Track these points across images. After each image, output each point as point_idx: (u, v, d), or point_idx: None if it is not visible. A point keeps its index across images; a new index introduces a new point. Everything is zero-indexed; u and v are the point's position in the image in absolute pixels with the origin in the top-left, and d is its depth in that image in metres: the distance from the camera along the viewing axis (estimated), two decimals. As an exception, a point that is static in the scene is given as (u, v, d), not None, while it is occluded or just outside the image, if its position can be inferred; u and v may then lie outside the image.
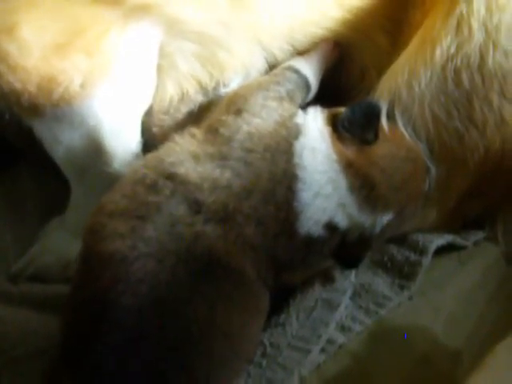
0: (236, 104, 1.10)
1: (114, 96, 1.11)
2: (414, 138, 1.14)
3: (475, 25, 1.08)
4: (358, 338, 1.13)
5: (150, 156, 1.07)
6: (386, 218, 1.10)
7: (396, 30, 1.18)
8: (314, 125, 1.10)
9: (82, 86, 1.07)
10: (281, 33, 1.17)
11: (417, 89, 1.11)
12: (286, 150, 1.06)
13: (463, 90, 1.10)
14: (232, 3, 1.11)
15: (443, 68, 1.10)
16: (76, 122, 1.09)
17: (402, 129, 1.14)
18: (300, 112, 1.12)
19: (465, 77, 1.10)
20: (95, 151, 1.12)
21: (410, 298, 1.16)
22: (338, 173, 1.07)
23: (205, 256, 1.00)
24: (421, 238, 1.19)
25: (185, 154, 1.05)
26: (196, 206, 1.02)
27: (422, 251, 1.18)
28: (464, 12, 1.08)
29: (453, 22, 1.09)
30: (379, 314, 1.14)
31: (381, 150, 1.11)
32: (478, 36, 1.08)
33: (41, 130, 1.11)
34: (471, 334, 1.13)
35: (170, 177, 1.03)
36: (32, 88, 1.05)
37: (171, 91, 1.18)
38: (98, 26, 1.05)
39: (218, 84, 1.19)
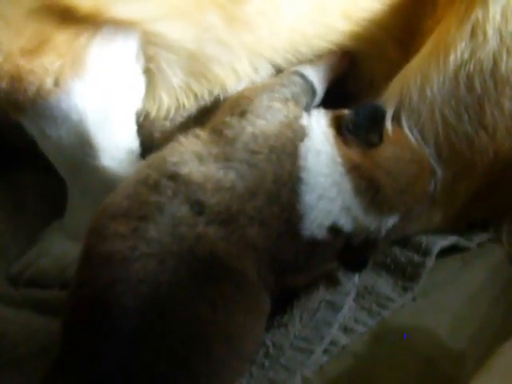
0: (240, 105, 1.10)
1: (94, 92, 1.10)
2: (420, 141, 1.14)
3: (490, 31, 1.09)
4: (361, 339, 1.12)
5: (154, 156, 1.07)
6: (391, 220, 1.10)
7: (406, 39, 1.18)
8: (318, 127, 1.10)
9: (56, 83, 1.07)
10: (284, 47, 1.17)
11: (429, 93, 1.11)
12: (291, 152, 1.06)
13: (475, 94, 1.11)
14: (228, 22, 1.11)
15: (456, 73, 1.10)
16: (59, 118, 1.09)
17: (408, 132, 1.14)
18: (304, 114, 1.12)
19: (477, 82, 1.10)
20: (82, 146, 1.12)
21: (414, 300, 1.16)
22: (343, 175, 1.07)
23: (207, 257, 1.00)
24: (424, 239, 1.18)
25: (188, 154, 1.05)
26: (198, 207, 1.01)
27: (425, 252, 1.17)
28: (480, 18, 1.09)
29: (468, 27, 1.09)
30: (382, 315, 1.14)
31: (385, 152, 1.11)
32: (492, 42, 1.09)
33: (29, 126, 1.11)
34: (475, 335, 1.12)
35: (173, 177, 1.03)
36: (4, 86, 1.05)
37: (167, 102, 1.18)
38: (68, 32, 1.06)
39: (217, 94, 1.20)
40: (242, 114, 1.09)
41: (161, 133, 1.20)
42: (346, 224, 1.07)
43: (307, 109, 1.15)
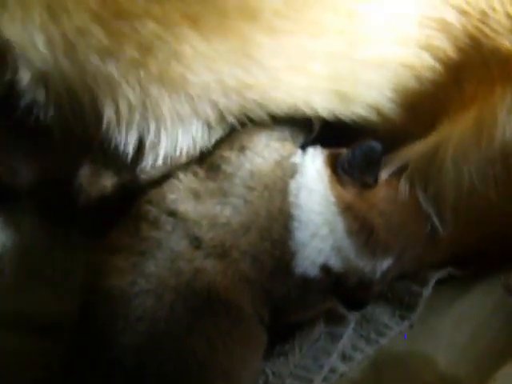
0: (240, 140, 1.13)
1: None
2: (421, 194, 1.15)
3: None
4: (359, 367, 1.15)
5: (154, 192, 1.10)
6: (386, 263, 1.10)
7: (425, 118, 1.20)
8: (312, 165, 1.11)
9: None
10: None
11: (463, 166, 1.13)
12: (281, 189, 1.08)
13: (509, 171, 1.13)
14: None
15: (498, 153, 1.12)
16: None
17: (405, 184, 1.15)
18: (299, 152, 1.14)
19: None
20: None
21: (411, 327, 1.18)
22: (336, 215, 1.08)
23: (204, 292, 1.02)
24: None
25: (186, 191, 1.08)
26: (196, 242, 1.05)
27: (422, 282, 1.20)
28: None
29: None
30: (380, 342, 1.16)
31: (379, 193, 1.11)
32: None
33: None
34: (473, 361, 1.14)
35: (172, 213, 1.06)
36: None
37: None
38: None
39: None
40: (241, 149, 1.11)
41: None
42: (336, 264, 1.07)
43: (304, 145, 1.16)
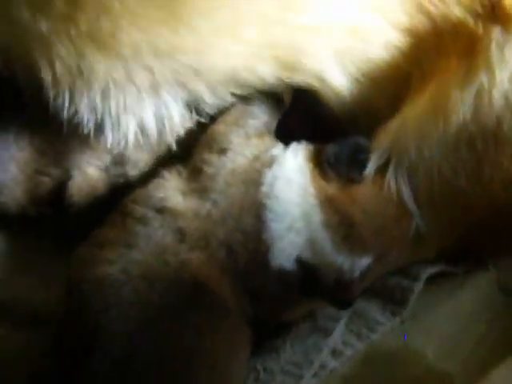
0: (218, 142, 1.13)
1: None
2: (407, 193, 1.14)
3: (496, 95, 1.09)
4: (350, 363, 1.15)
5: (139, 191, 1.12)
6: (364, 261, 1.09)
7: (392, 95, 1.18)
8: (293, 158, 1.11)
9: None
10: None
11: (426, 152, 1.11)
12: (255, 180, 1.09)
13: (475, 153, 1.12)
14: None
15: (458, 134, 1.11)
16: None
17: (392, 181, 1.14)
18: (278, 144, 1.14)
19: (479, 143, 1.11)
20: None
21: (402, 323, 1.18)
22: (314, 207, 1.07)
23: (191, 282, 1.04)
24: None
25: (173, 190, 1.10)
26: (180, 236, 1.06)
27: (413, 278, 1.19)
28: (485, 83, 1.09)
29: (471, 91, 1.10)
30: (371, 338, 1.16)
31: (364, 190, 1.10)
32: (497, 105, 1.10)
33: None
34: (463, 357, 1.14)
35: (161, 210, 1.08)
36: None
37: None
38: None
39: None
40: (222, 151, 1.12)
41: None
42: (310, 257, 1.07)
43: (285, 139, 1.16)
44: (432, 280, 1.21)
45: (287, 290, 1.08)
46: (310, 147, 1.14)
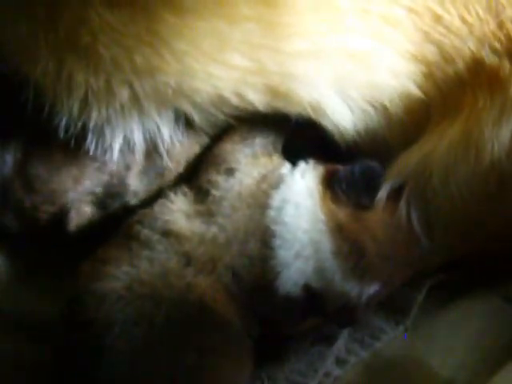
0: (226, 162, 1.12)
1: None
2: (417, 218, 1.13)
3: None
4: (354, 371, 1.17)
5: (144, 212, 1.12)
6: (373, 288, 1.09)
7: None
8: (302, 180, 1.10)
9: None
10: None
11: (452, 185, 1.11)
12: (262, 203, 1.07)
13: (503, 188, 1.11)
14: None
15: (489, 170, 1.10)
16: None
17: (403, 208, 1.13)
18: (286, 164, 1.13)
19: (509, 179, 1.10)
20: None
21: (406, 331, 1.20)
22: (323, 234, 1.05)
23: (196, 304, 1.04)
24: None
25: (179, 213, 1.09)
26: (186, 260, 1.07)
27: (416, 287, 1.21)
28: None
29: (507, 128, 1.09)
30: (374, 346, 1.18)
31: (375, 216, 1.09)
32: None
33: None
34: (465, 364, 1.15)
35: (165, 233, 1.08)
36: None
37: None
38: None
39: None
40: (229, 172, 1.11)
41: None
42: (318, 285, 1.06)
43: (294, 158, 1.15)
44: (434, 289, 1.22)
45: (292, 313, 1.08)
46: (320, 168, 1.12)
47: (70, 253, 1.16)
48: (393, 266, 1.10)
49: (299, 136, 1.16)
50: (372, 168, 1.10)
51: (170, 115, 1.10)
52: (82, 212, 1.16)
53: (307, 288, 1.06)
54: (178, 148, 1.15)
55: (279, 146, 1.15)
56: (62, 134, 1.09)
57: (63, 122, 1.08)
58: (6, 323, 1.19)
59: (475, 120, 1.10)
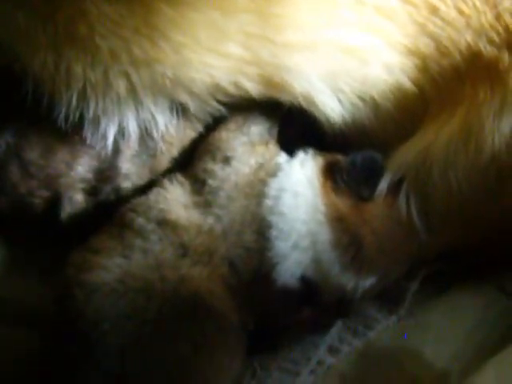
0: (222, 150, 1.11)
1: None
2: (416, 210, 1.13)
3: None
4: (347, 359, 1.16)
5: (139, 201, 1.10)
6: (369, 281, 1.08)
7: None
8: (301, 170, 1.09)
9: None
10: None
11: (452, 177, 1.11)
12: (259, 192, 1.06)
13: (501, 180, 1.11)
14: None
15: (488, 162, 1.10)
16: None
17: (403, 200, 1.13)
18: (282, 153, 1.11)
19: (507, 171, 1.10)
20: None
21: (399, 321, 1.19)
22: (322, 225, 1.05)
23: (191, 297, 1.03)
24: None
25: (175, 201, 1.08)
26: (182, 250, 1.05)
27: (410, 277, 1.20)
28: None
29: (508, 121, 1.08)
30: (367, 335, 1.18)
31: (375, 209, 1.08)
32: None
33: None
34: (459, 354, 1.15)
35: (161, 223, 1.06)
36: None
37: None
38: None
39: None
40: (226, 160, 1.09)
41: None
42: (315, 276, 1.05)
43: (291, 147, 1.13)
44: (428, 278, 1.22)
45: (288, 304, 1.07)
46: (319, 159, 1.11)
47: (63, 240, 1.15)
48: (390, 260, 1.09)
49: (288, 123, 1.15)
50: (374, 158, 1.09)
51: (166, 104, 1.11)
52: (74, 200, 1.15)
53: (304, 279, 1.05)
54: (171, 130, 1.14)
55: (275, 134, 1.14)
56: (59, 124, 1.09)
57: (62, 113, 1.08)
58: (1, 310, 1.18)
59: (475, 113, 1.09)
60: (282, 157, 1.11)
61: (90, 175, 1.15)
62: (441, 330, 1.18)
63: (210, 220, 1.06)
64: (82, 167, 1.14)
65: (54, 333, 1.04)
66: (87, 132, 1.10)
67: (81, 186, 1.15)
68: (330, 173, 1.09)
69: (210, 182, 1.09)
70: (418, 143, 1.12)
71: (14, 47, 1.06)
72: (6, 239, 1.22)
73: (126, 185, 1.16)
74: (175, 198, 1.08)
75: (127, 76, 1.06)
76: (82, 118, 1.09)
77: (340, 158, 1.11)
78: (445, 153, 1.11)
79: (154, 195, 1.10)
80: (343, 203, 1.07)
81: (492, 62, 1.09)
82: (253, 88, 1.10)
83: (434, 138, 1.11)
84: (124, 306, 1.01)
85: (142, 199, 1.10)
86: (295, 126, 1.14)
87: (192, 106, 1.11)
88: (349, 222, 1.06)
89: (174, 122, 1.13)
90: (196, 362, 1.01)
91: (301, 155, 1.11)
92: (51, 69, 1.06)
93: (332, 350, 1.17)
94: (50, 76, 1.06)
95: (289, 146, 1.12)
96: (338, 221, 1.05)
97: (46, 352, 1.04)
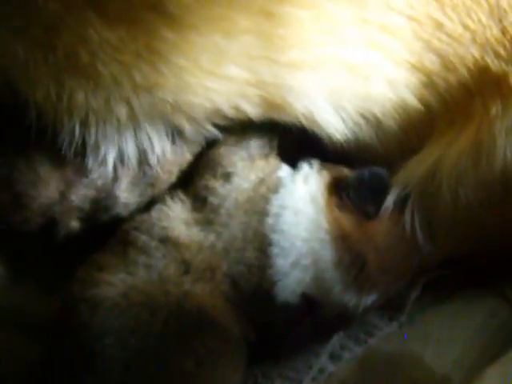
0: (222, 166, 1.10)
1: None
2: (420, 226, 1.13)
3: None
4: (348, 366, 1.17)
5: (142, 218, 1.10)
6: (370, 299, 1.08)
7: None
8: (304, 185, 1.08)
9: None
10: None
11: (461, 192, 1.11)
12: (260, 208, 1.06)
13: (506, 193, 1.11)
14: None
15: (497, 177, 1.10)
16: None
17: (408, 216, 1.12)
18: (283, 165, 1.11)
19: None
20: None
21: (400, 327, 1.20)
22: (324, 243, 1.04)
23: (194, 312, 1.03)
24: (411, 270, 1.23)
25: (177, 220, 1.08)
26: (185, 267, 1.06)
27: (411, 283, 1.20)
28: None
29: None
30: (368, 342, 1.18)
31: (379, 226, 1.07)
32: None
33: None
34: (460, 360, 1.16)
35: (163, 240, 1.07)
36: None
37: None
38: None
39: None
40: (227, 176, 1.09)
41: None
42: (315, 294, 1.05)
43: (294, 160, 1.13)
44: (430, 285, 1.22)
45: (289, 318, 1.07)
46: (325, 173, 1.10)
47: (62, 255, 1.16)
48: (392, 277, 1.09)
49: (288, 136, 1.14)
50: (381, 176, 1.09)
51: (162, 128, 1.10)
52: (70, 227, 1.15)
53: (305, 296, 1.05)
54: (170, 158, 1.13)
55: (275, 146, 1.13)
56: (54, 152, 1.09)
57: (65, 142, 1.08)
58: (1, 320, 1.18)
59: (487, 128, 1.09)
60: (284, 170, 1.11)
61: (86, 205, 1.14)
62: (442, 337, 1.18)
63: (212, 237, 1.06)
64: (77, 197, 1.13)
65: (57, 345, 1.04)
66: (88, 158, 1.10)
67: (77, 214, 1.15)
68: (336, 188, 1.08)
69: (211, 199, 1.09)
70: (425, 159, 1.12)
71: (15, 80, 1.05)
72: (6, 251, 1.22)
73: (125, 213, 1.15)
74: (177, 216, 1.08)
75: (128, 102, 1.06)
76: (83, 144, 1.09)
77: (346, 172, 1.11)
78: (455, 168, 1.10)
79: (156, 213, 1.10)
80: (347, 220, 1.06)
81: (501, 76, 1.08)
82: (253, 111, 1.09)
83: (443, 153, 1.11)
84: (128, 320, 1.01)
85: (144, 217, 1.10)
86: (294, 134, 1.13)
87: (188, 129, 1.10)
88: (352, 241, 1.05)
89: (173, 147, 1.13)
90: (199, 376, 1.02)
91: (305, 169, 1.11)
92: (54, 99, 1.05)
93: (333, 358, 1.17)
94: (53, 107, 1.05)
95: (289, 156, 1.11)
96: (341, 239, 1.05)
97: (47, 365, 1.04)
